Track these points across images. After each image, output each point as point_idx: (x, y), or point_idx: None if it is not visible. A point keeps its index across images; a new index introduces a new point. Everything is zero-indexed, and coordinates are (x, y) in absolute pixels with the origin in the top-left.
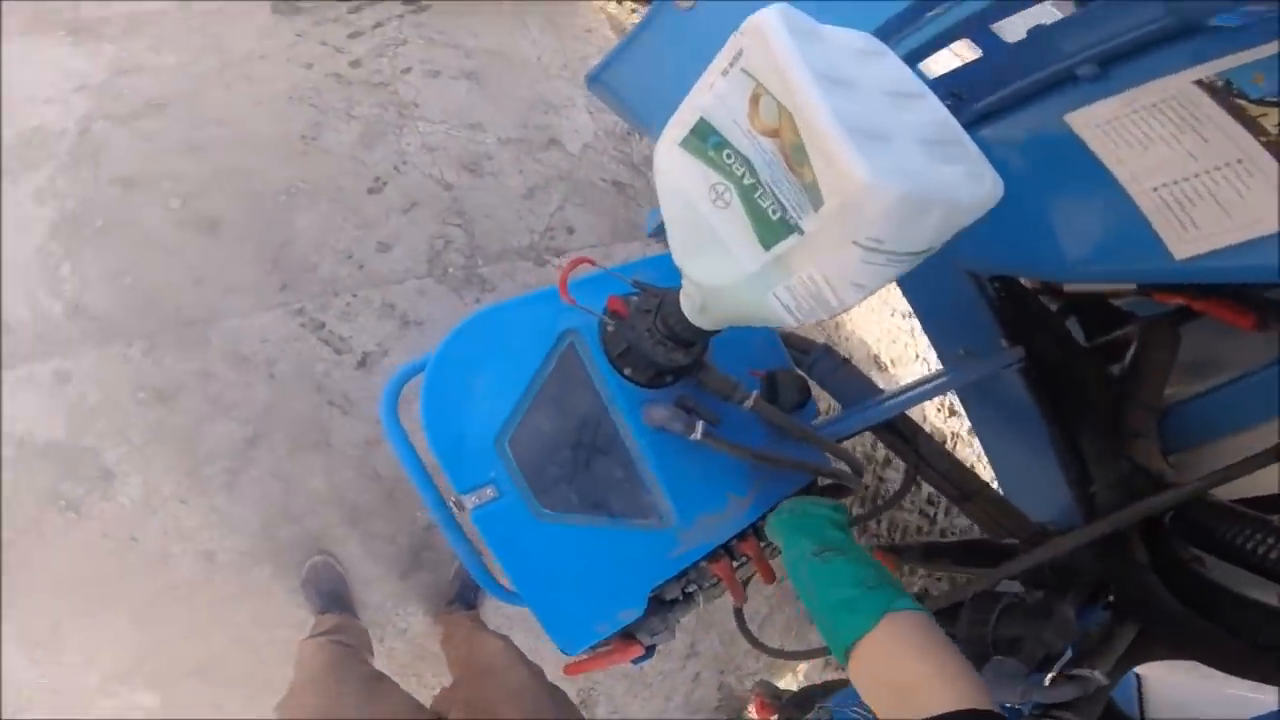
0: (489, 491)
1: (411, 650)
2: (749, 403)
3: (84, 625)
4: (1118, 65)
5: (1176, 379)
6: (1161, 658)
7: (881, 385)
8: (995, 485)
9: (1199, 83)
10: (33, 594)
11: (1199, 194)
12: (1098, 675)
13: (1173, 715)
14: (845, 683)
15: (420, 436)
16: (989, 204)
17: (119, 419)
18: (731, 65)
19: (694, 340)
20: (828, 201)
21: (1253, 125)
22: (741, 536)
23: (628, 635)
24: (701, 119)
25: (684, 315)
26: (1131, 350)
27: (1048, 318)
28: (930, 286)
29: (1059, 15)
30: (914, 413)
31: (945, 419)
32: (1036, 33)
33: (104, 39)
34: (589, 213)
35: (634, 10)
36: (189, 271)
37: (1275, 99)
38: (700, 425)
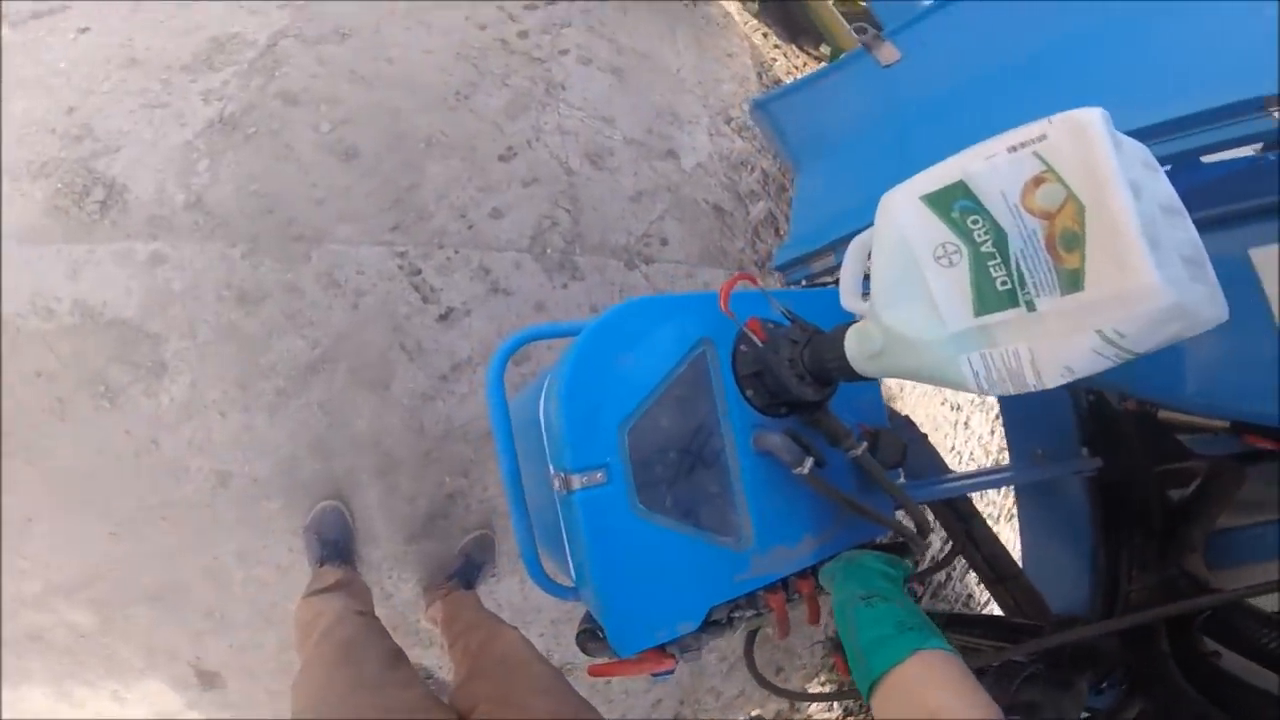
0: (600, 475)
1: (392, 618)
2: (856, 451)
3: (58, 525)
4: None
5: (1230, 511)
6: None
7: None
8: None
9: None
10: (21, 478)
11: None
12: None
13: None
14: None
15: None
16: (1212, 325)
17: (195, 311)
18: (1024, 145)
19: (831, 381)
20: (1088, 289)
21: None
22: (801, 574)
23: (661, 647)
24: (961, 182)
25: (838, 354)
26: (1199, 479)
27: (1131, 440)
28: None
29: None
30: None
31: (980, 497)
32: (1259, 161)
33: None
34: (685, 229)
35: (776, 46)
36: (314, 190)
37: None
38: (809, 461)
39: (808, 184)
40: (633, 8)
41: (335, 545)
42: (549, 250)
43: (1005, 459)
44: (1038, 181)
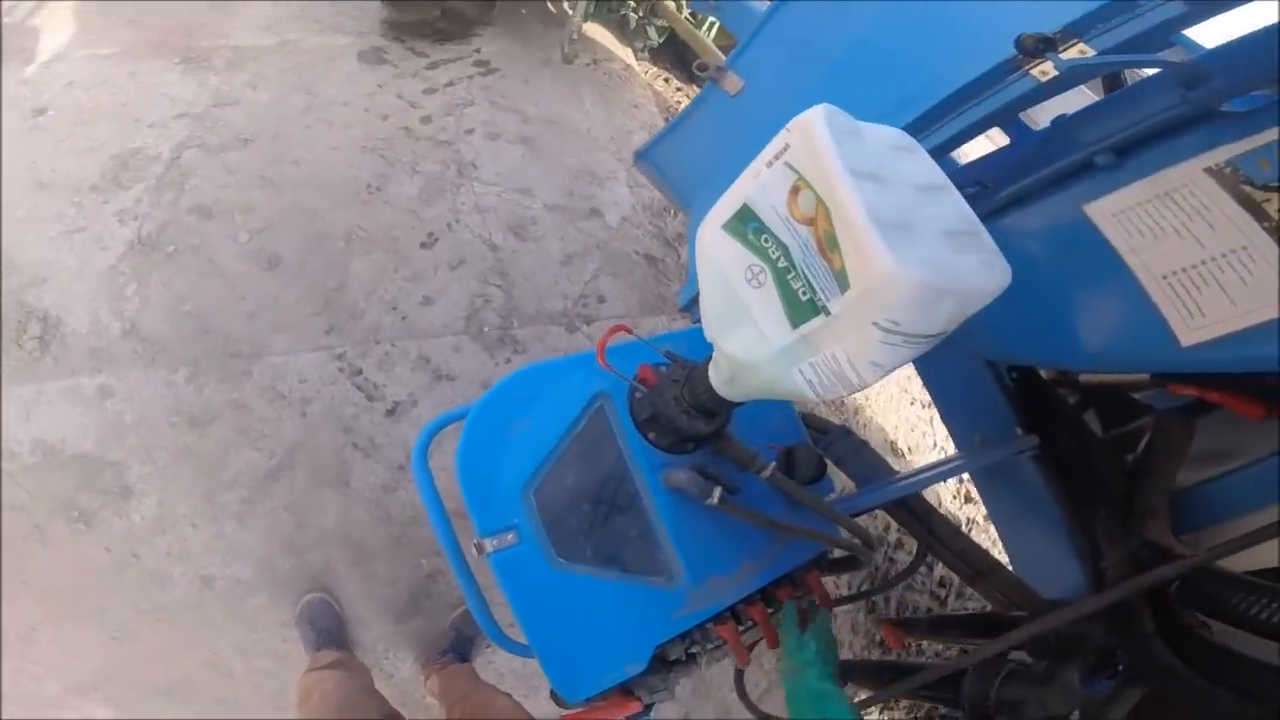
0: (510, 537)
1: (396, 695)
2: (765, 473)
3: (61, 633)
4: (1134, 154)
5: (1191, 467)
6: None
7: (898, 469)
8: (1008, 565)
9: (1209, 170)
10: (17, 596)
11: (1205, 281)
12: None
13: None
14: None
15: (442, 481)
16: (997, 292)
17: (149, 439)
18: (777, 158)
19: (718, 411)
20: (854, 286)
21: (1257, 211)
22: (749, 601)
23: (627, 691)
24: (745, 205)
25: (711, 386)
26: (1146, 439)
27: (1064, 408)
28: (949, 375)
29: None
30: (932, 499)
31: (961, 505)
32: (1059, 122)
33: (211, 70)
34: (621, 284)
35: (679, 89)
36: (244, 304)
37: (1278, 184)
38: (718, 491)
39: (698, 222)
40: (534, 76)
41: (328, 632)
42: (486, 329)
43: None
44: (794, 190)
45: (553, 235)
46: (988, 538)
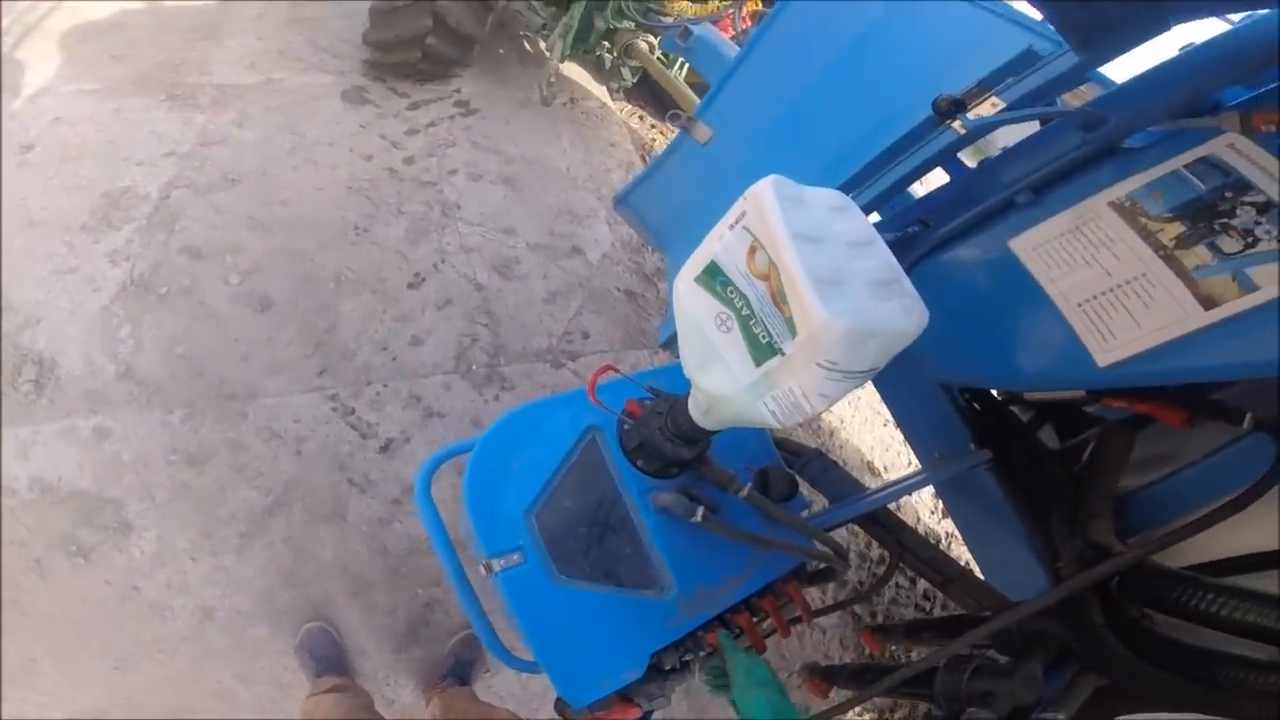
0: (515, 557)
1: None
2: (743, 493)
3: (63, 664)
4: (1048, 191)
5: (1139, 472)
6: (1124, 712)
7: (872, 487)
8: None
9: (1111, 204)
10: (17, 628)
11: (1115, 306)
12: (1060, 717)
13: None
14: None
15: (445, 510)
16: (916, 333)
17: (147, 477)
18: (737, 222)
19: (698, 439)
20: (800, 332)
21: (1153, 240)
22: (735, 610)
23: (626, 698)
24: (713, 261)
25: (691, 417)
26: (1089, 449)
27: (1015, 424)
28: (907, 398)
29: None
30: (909, 517)
31: (940, 520)
32: (985, 164)
33: (197, 108)
34: (603, 320)
35: (653, 125)
36: (237, 346)
37: (1170, 214)
38: (701, 510)
39: (674, 263)
40: (514, 116)
41: (329, 660)
42: (474, 367)
43: None
44: (752, 250)
45: (536, 274)
46: (964, 550)
